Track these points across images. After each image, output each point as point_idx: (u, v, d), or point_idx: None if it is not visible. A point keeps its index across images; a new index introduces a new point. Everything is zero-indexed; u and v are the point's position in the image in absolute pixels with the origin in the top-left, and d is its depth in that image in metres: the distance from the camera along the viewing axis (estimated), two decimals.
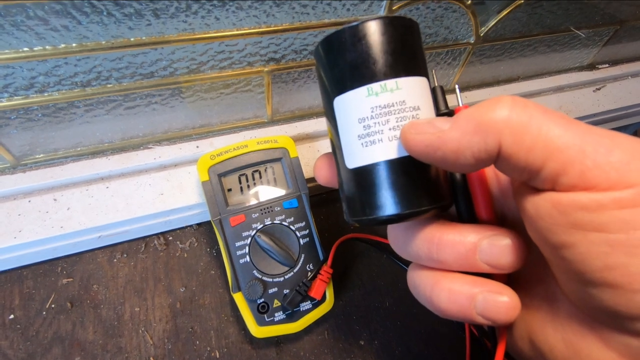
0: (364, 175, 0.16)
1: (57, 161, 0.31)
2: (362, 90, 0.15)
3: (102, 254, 0.33)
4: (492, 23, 0.36)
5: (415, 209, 0.15)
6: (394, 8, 0.30)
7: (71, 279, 0.31)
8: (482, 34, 0.37)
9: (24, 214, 0.29)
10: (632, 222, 0.12)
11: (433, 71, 0.20)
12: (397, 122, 0.15)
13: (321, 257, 0.31)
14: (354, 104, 0.15)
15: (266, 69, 0.31)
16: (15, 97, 0.26)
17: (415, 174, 0.15)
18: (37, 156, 0.30)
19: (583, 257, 0.12)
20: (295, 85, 0.35)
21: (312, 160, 0.36)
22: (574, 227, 0.12)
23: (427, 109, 0.16)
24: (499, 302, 0.15)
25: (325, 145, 0.37)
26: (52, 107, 0.27)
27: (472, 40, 0.37)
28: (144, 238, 0.34)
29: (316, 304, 0.30)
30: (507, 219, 0.18)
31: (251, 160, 0.31)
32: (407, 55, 0.16)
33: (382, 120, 0.15)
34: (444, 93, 0.18)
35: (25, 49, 0.23)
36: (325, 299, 0.30)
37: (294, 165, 0.31)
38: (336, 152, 0.17)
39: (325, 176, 0.19)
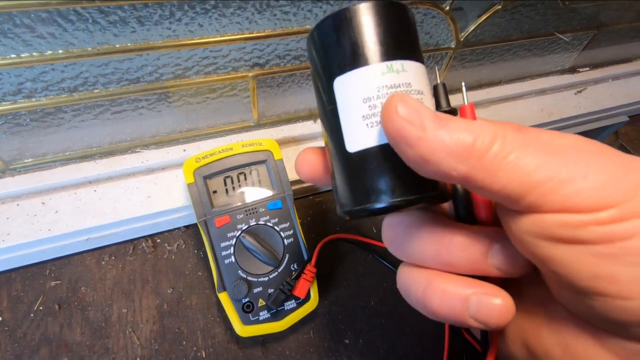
0: (368, 159, 0.15)
1: (46, 165, 0.32)
2: (367, 70, 0.15)
3: (91, 256, 0.33)
4: (471, 28, 0.37)
5: (420, 195, 0.15)
6: None
7: (59, 282, 0.32)
8: (462, 39, 0.38)
9: (12, 218, 0.30)
10: (613, 234, 0.12)
11: (436, 68, 0.20)
12: None
13: (305, 257, 0.31)
14: (358, 84, 0.15)
15: (251, 74, 0.32)
16: (3, 103, 0.26)
17: None
18: (26, 160, 0.31)
19: (570, 268, 0.13)
20: (280, 90, 0.36)
21: None
22: (558, 242, 0.13)
23: (429, 96, 0.16)
24: (492, 305, 0.15)
25: None
26: (40, 112, 0.28)
27: (452, 45, 0.38)
28: (132, 240, 0.35)
29: (300, 302, 0.30)
30: None
31: (236, 163, 0.31)
32: (410, 39, 0.16)
33: None
34: (446, 90, 0.18)
35: (13, 55, 0.24)
36: (309, 297, 0.31)
37: (278, 167, 0.32)
38: (332, 138, 0.16)
39: (307, 172, 0.18)
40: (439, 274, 0.16)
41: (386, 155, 0.15)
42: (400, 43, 0.15)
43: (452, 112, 0.17)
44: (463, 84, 0.19)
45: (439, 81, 0.18)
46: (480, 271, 0.15)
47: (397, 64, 0.15)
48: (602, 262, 0.12)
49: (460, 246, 0.15)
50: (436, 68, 0.20)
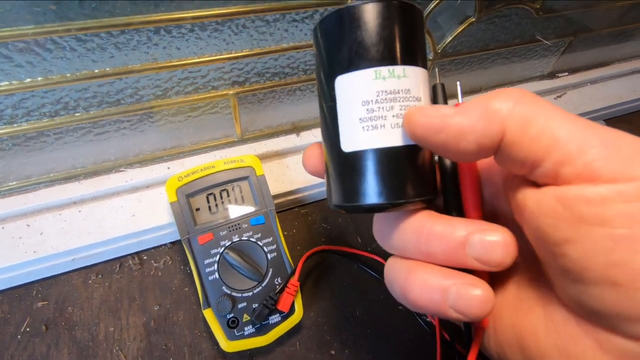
0: (361, 160, 0.15)
1: (30, 187, 0.32)
2: (369, 72, 0.15)
3: (77, 276, 0.34)
4: (448, 40, 0.38)
5: (407, 199, 0.15)
6: None
7: (46, 302, 0.32)
8: (439, 51, 0.39)
9: None
10: (636, 215, 0.11)
11: (436, 69, 0.21)
12: (400, 109, 0.15)
13: (289, 271, 0.32)
14: (358, 85, 0.15)
15: (231, 92, 0.33)
16: None
17: (412, 163, 0.15)
18: (10, 183, 0.31)
19: (586, 253, 0.12)
20: (262, 105, 0.36)
21: (282, 176, 0.38)
22: (578, 221, 0.12)
23: (426, 101, 0.16)
24: (471, 295, 0.15)
25: (294, 162, 0.39)
26: (22, 137, 0.29)
27: (430, 57, 0.39)
28: (118, 258, 0.35)
29: (285, 316, 0.31)
30: (497, 218, 0.18)
31: (219, 180, 0.32)
32: (415, 43, 0.16)
33: (387, 106, 0.15)
34: (444, 90, 0.18)
35: None
36: (293, 311, 0.31)
37: (260, 183, 0.33)
38: (329, 134, 0.16)
39: (313, 165, 0.18)
40: (420, 264, 0.16)
41: (379, 159, 0.15)
42: (405, 48, 0.15)
43: None
44: (458, 83, 0.19)
45: (437, 81, 0.18)
46: (458, 262, 0.15)
47: (399, 69, 0.15)
48: (620, 248, 0.12)
49: (438, 235, 0.15)
50: (436, 69, 0.20)
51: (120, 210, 0.33)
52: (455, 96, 0.18)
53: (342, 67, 0.15)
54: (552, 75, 0.51)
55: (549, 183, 0.13)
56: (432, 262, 0.16)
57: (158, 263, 0.35)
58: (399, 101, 0.15)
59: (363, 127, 0.15)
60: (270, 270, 0.31)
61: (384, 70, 0.15)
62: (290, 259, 0.32)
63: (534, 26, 0.42)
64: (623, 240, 0.12)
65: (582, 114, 0.50)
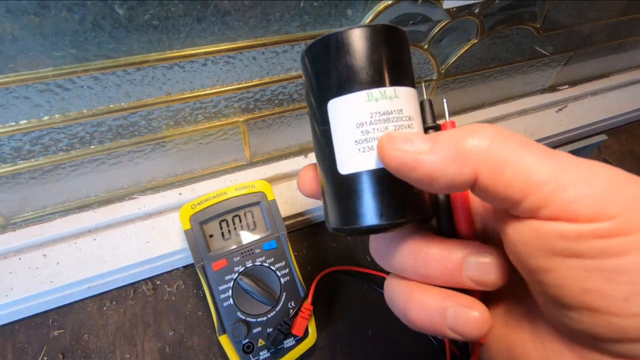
0: (358, 182, 0.16)
1: (46, 217, 0.33)
2: (361, 95, 0.15)
3: (92, 303, 0.34)
4: (451, 61, 0.39)
5: (406, 219, 0.16)
6: None
7: (62, 330, 0.33)
8: (443, 71, 0.40)
9: (14, 272, 0.31)
10: (609, 250, 0.12)
11: (422, 83, 0.21)
12: (395, 129, 0.16)
13: (302, 294, 0.32)
14: (351, 108, 0.15)
15: (241, 119, 0.33)
16: (4, 165, 0.27)
17: (405, 184, 0.15)
18: (26, 214, 0.32)
19: (561, 281, 0.13)
20: (270, 130, 0.37)
21: (291, 198, 0.38)
22: (553, 253, 0.13)
23: (418, 121, 0.16)
24: (469, 317, 0.15)
25: None
26: (39, 170, 0.29)
27: (434, 77, 0.40)
28: (132, 284, 0.35)
29: (299, 340, 0.31)
30: (488, 236, 0.19)
31: (231, 206, 0.32)
32: (403, 64, 0.16)
33: (380, 127, 0.15)
34: (432, 106, 0.18)
35: (12, 123, 0.25)
36: (307, 334, 0.32)
37: (271, 207, 0.33)
38: (324, 157, 0.17)
39: (308, 188, 0.19)
40: (419, 285, 0.16)
41: (376, 180, 0.15)
42: (394, 69, 0.16)
43: (437, 128, 0.18)
44: (444, 100, 0.19)
45: (425, 97, 0.18)
46: (455, 283, 0.16)
47: (390, 90, 0.15)
48: (594, 276, 0.12)
49: (436, 258, 0.16)
50: (423, 85, 0.20)
51: (134, 238, 0.33)
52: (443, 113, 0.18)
53: (333, 91, 0.16)
54: (552, 88, 0.52)
55: (528, 218, 0.13)
56: (430, 283, 0.16)
57: (171, 288, 0.36)
58: (393, 121, 0.15)
59: (359, 149, 0.15)
60: (284, 294, 0.32)
61: (376, 92, 0.15)
62: (302, 282, 0.33)
63: (535, 43, 0.43)
64: (595, 271, 0.12)
65: (584, 126, 0.51)
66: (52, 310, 0.33)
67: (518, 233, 0.14)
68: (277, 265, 0.32)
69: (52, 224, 0.32)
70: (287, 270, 0.32)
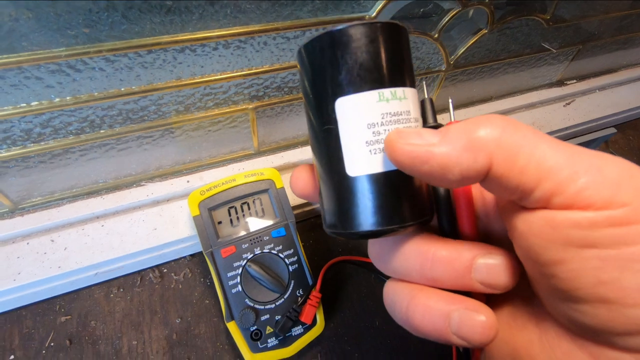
0: (367, 184, 0.15)
1: (54, 203, 0.32)
2: (373, 94, 0.15)
3: (99, 289, 0.34)
4: (460, 51, 0.39)
5: (415, 221, 0.15)
6: None
7: (69, 317, 0.32)
8: (452, 62, 0.39)
9: (22, 257, 0.31)
10: (623, 238, 0.12)
11: (423, 82, 0.21)
12: None
13: (310, 282, 0.32)
14: (362, 108, 0.15)
15: (250, 107, 0.33)
16: (14, 148, 0.27)
17: (416, 184, 0.15)
18: (34, 199, 0.32)
19: (576, 273, 0.12)
20: (279, 118, 0.37)
21: None
22: (567, 243, 0.12)
23: (421, 122, 0.16)
24: (475, 321, 0.14)
25: None
26: (48, 154, 0.29)
27: (443, 68, 0.40)
28: (139, 272, 0.35)
29: (307, 328, 0.31)
30: (490, 237, 0.18)
31: (239, 193, 0.32)
32: (411, 65, 0.16)
33: (391, 128, 0.15)
34: (433, 106, 0.18)
35: (23, 104, 0.25)
36: (315, 322, 0.31)
37: (280, 195, 0.33)
38: (329, 158, 0.16)
39: (302, 188, 0.18)
40: (422, 289, 0.16)
41: (386, 182, 0.15)
42: (404, 69, 0.15)
43: (438, 128, 0.17)
44: (450, 100, 0.19)
45: (426, 96, 0.18)
46: (464, 286, 0.15)
47: (400, 91, 0.15)
48: (609, 266, 0.12)
49: (444, 260, 0.15)
50: (424, 83, 0.20)
51: (142, 224, 0.33)
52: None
53: (343, 89, 0.15)
54: (560, 82, 0.52)
55: (540, 208, 0.13)
56: (436, 286, 0.16)
57: (178, 276, 0.36)
58: (402, 123, 0.15)
59: (370, 151, 0.15)
60: (292, 282, 0.31)
61: (387, 92, 0.15)
62: (310, 270, 0.33)
63: (544, 36, 0.43)
64: (610, 260, 0.12)
65: (592, 121, 0.51)
66: (59, 296, 0.33)
67: (529, 225, 0.13)
68: (285, 253, 0.32)
69: (61, 209, 0.32)
70: (295, 258, 0.32)
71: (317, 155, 0.17)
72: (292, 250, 0.32)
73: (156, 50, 0.26)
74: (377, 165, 0.15)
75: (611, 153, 0.52)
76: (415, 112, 0.16)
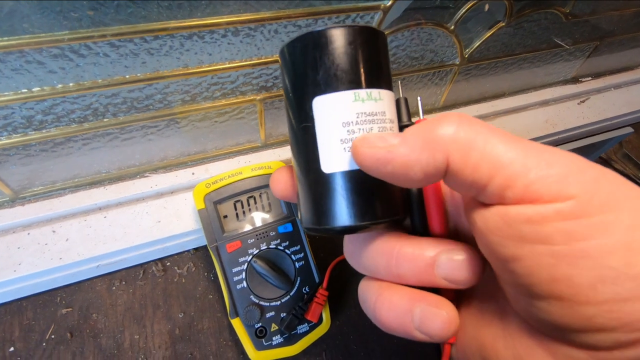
0: (340, 181, 0.15)
1: (56, 193, 0.32)
2: (348, 94, 0.15)
3: (101, 282, 0.33)
4: (476, 45, 0.38)
5: (390, 217, 0.16)
6: None
7: (70, 309, 0.32)
8: (466, 56, 0.38)
9: (23, 247, 0.30)
10: (573, 233, 0.12)
11: (399, 82, 0.21)
12: (379, 131, 0.16)
13: (317, 280, 0.31)
14: (338, 107, 0.15)
15: (258, 98, 0.32)
16: (14, 135, 0.26)
17: (384, 184, 0.15)
18: (36, 189, 0.31)
19: (530, 269, 0.13)
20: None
21: None
22: (520, 239, 0.13)
23: (396, 124, 0.17)
24: (436, 316, 0.15)
25: None
26: (50, 142, 0.28)
27: (457, 62, 0.39)
28: (142, 265, 0.35)
29: (313, 326, 0.30)
30: (460, 234, 0.19)
31: (246, 187, 0.31)
32: (388, 68, 0.17)
33: (365, 128, 0.15)
34: (407, 105, 0.18)
35: (24, 90, 0.24)
36: (322, 321, 0.31)
37: None
38: (306, 155, 0.16)
39: (282, 189, 0.19)
40: (389, 286, 0.16)
41: (359, 179, 0.15)
42: (380, 72, 0.16)
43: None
44: (419, 98, 0.19)
45: (400, 95, 0.18)
46: (428, 282, 0.16)
47: (375, 92, 0.16)
48: (561, 263, 0.12)
49: (408, 257, 0.16)
50: (399, 82, 0.20)
51: (145, 217, 0.32)
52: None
53: (320, 89, 0.16)
54: (575, 80, 0.51)
55: (496, 203, 0.14)
56: (402, 283, 0.16)
57: (181, 270, 0.35)
58: (377, 123, 0.16)
59: (344, 148, 0.15)
60: (298, 278, 0.31)
61: (362, 92, 0.15)
62: (317, 267, 0.32)
63: (562, 31, 0.42)
64: (562, 257, 0.12)
65: (606, 119, 0.49)
66: (60, 288, 0.32)
67: (486, 221, 0.14)
68: (292, 249, 0.31)
69: (62, 199, 0.31)
70: (302, 255, 0.31)
71: (295, 153, 0.17)
72: (298, 247, 0.31)
73: (163, 36, 0.25)
74: (351, 162, 0.15)
75: (625, 153, 0.51)
76: (391, 114, 0.16)
